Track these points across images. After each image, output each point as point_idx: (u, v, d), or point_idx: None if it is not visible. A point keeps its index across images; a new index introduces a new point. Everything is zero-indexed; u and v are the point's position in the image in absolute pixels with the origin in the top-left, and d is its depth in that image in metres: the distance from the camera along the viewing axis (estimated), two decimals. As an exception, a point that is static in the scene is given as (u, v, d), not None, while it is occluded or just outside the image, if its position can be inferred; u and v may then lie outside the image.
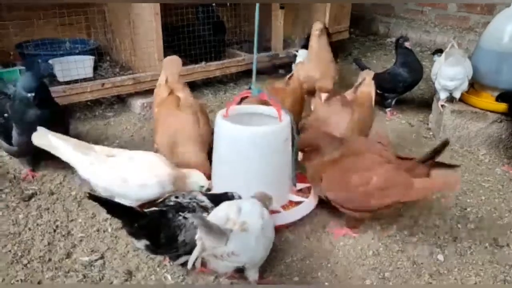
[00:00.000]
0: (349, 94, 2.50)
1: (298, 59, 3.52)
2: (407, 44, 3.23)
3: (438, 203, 2.27)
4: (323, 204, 2.15)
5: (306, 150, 2.01)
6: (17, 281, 1.70)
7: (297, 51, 3.70)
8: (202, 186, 1.95)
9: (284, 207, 2.11)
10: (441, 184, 1.90)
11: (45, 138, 1.95)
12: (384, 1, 5.57)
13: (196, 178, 1.96)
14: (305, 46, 3.39)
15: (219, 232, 1.46)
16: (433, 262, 1.87)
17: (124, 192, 1.89)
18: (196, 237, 1.50)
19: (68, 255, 1.84)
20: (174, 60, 2.55)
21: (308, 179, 2.13)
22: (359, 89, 2.51)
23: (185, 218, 1.64)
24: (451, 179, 1.95)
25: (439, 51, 3.25)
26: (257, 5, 1.95)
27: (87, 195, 1.62)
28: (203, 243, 1.45)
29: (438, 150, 1.90)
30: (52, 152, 1.94)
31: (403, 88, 3.28)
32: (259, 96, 2.13)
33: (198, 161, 2.17)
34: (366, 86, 2.52)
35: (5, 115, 2.21)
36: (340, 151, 1.92)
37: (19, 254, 1.83)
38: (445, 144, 1.91)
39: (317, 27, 3.03)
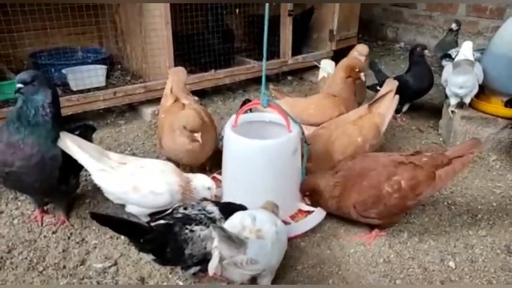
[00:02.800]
0: (363, 108, 2.43)
1: (321, 73, 3.31)
2: (426, 51, 3.17)
3: (448, 210, 2.27)
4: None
5: (309, 194, 2.10)
6: (33, 287, 1.74)
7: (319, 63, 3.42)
8: (209, 188, 1.96)
9: (293, 216, 2.11)
10: (461, 166, 1.95)
11: (64, 142, 1.96)
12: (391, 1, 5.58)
13: (200, 180, 1.97)
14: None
15: (238, 242, 1.49)
16: (444, 269, 1.87)
17: (135, 200, 1.92)
18: (213, 246, 1.51)
19: (82, 262, 1.87)
20: (179, 71, 2.65)
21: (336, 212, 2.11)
22: (378, 102, 2.41)
23: (192, 231, 1.64)
24: (468, 157, 1.95)
25: (448, 56, 3.23)
26: (266, 5, 1.90)
27: (90, 214, 1.63)
28: (221, 253, 1.47)
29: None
30: (72, 155, 1.96)
31: (412, 95, 3.25)
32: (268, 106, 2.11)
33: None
34: (387, 101, 2.41)
35: None
36: (340, 174, 1.99)
37: (35, 261, 1.86)
38: None
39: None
